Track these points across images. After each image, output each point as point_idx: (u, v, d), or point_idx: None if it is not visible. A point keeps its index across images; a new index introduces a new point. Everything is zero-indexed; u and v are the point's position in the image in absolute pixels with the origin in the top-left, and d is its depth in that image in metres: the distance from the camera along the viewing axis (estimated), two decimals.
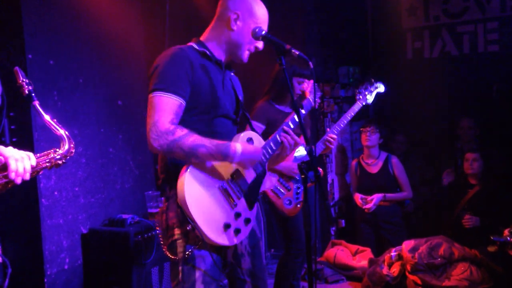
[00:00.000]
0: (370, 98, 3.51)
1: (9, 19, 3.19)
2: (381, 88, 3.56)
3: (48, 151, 1.66)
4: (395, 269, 3.85)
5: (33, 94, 1.76)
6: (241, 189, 2.06)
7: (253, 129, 2.24)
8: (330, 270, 4.43)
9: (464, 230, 4.14)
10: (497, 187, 4.16)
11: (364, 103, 3.51)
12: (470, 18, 5.53)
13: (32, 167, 1.54)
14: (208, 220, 1.91)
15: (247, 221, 2.07)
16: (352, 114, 3.49)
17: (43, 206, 3.28)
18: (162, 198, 2.07)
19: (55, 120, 1.77)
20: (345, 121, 3.49)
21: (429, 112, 5.68)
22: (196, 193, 1.89)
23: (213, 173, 1.98)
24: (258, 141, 2.16)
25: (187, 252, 1.94)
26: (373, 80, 3.57)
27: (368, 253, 4.43)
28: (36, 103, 1.77)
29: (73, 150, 1.72)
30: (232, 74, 2.25)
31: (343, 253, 4.53)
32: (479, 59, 5.49)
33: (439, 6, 5.70)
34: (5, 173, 1.48)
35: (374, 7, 6.12)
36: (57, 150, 1.69)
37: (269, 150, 2.16)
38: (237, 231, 2.02)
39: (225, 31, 2.09)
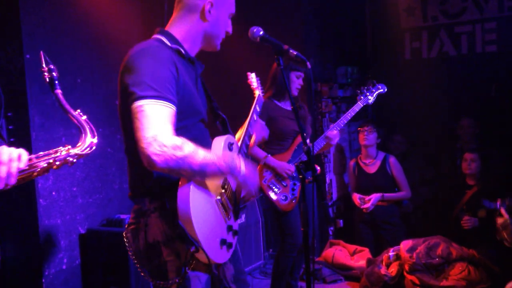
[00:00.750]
0: (371, 99, 3.61)
1: (7, 19, 3.18)
2: (382, 89, 3.65)
3: (57, 149, 1.45)
4: (393, 269, 3.86)
5: (56, 82, 1.56)
6: (230, 199, 1.92)
7: (228, 131, 2.11)
8: (328, 270, 4.43)
9: (462, 230, 4.15)
10: (496, 187, 4.17)
11: (364, 104, 3.59)
12: (468, 18, 5.53)
13: (22, 169, 1.33)
14: (209, 239, 1.73)
15: (235, 233, 1.94)
16: (353, 113, 3.58)
17: (41, 207, 3.27)
18: (132, 213, 1.82)
19: (79, 111, 1.57)
20: (345, 120, 3.58)
21: (428, 112, 5.69)
22: (199, 210, 1.69)
23: (210, 187, 1.80)
24: (236, 144, 2.08)
25: (181, 273, 1.69)
26: (374, 82, 3.63)
27: (366, 253, 4.43)
28: (58, 92, 1.57)
29: (93, 147, 1.49)
30: (201, 69, 2.00)
31: (341, 253, 4.54)
32: (477, 59, 5.49)
33: (437, 6, 5.70)
34: None
35: (373, 7, 6.12)
36: (71, 147, 1.46)
37: (244, 147, 2.14)
38: (229, 246, 1.88)
39: (199, 22, 1.88)
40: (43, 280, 3.28)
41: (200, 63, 1.97)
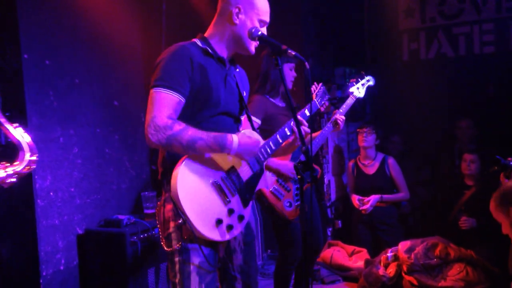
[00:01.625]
0: (362, 92, 3.46)
1: (4, 19, 3.17)
2: (371, 81, 3.52)
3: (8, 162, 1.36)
4: (391, 270, 3.86)
5: None
6: (235, 186, 2.06)
7: (253, 127, 2.23)
8: (327, 271, 4.43)
9: (460, 230, 4.15)
10: (494, 188, 4.17)
11: (356, 98, 3.46)
12: (466, 19, 5.55)
13: None
14: (200, 215, 1.92)
15: (241, 218, 2.07)
16: (347, 108, 3.45)
17: (38, 207, 3.26)
18: (159, 193, 2.08)
19: (17, 125, 1.49)
20: (347, 108, 3.45)
21: (426, 113, 5.70)
22: (188, 188, 1.90)
23: (208, 168, 1.99)
24: (260, 138, 2.18)
25: (179, 245, 1.97)
26: (363, 73, 3.51)
27: (364, 253, 4.43)
28: None
29: (34, 166, 1.38)
30: (237, 70, 2.24)
31: (339, 253, 4.54)
32: (475, 60, 5.51)
33: (435, 7, 5.72)
34: None
35: (371, 8, 6.13)
36: (8, 164, 1.36)
37: (268, 149, 2.17)
38: (230, 227, 2.02)
39: (228, 26, 2.09)
40: (41, 281, 3.26)
41: (235, 65, 2.20)
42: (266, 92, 3.35)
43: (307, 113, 2.62)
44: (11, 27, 3.17)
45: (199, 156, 1.96)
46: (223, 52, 2.12)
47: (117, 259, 3.33)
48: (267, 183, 3.25)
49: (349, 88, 3.47)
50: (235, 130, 2.16)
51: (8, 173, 1.35)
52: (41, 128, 3.30)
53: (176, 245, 1.98)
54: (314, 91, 3.13)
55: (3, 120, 1.42)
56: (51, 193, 3.37)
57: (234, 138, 1.97)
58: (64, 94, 3.49)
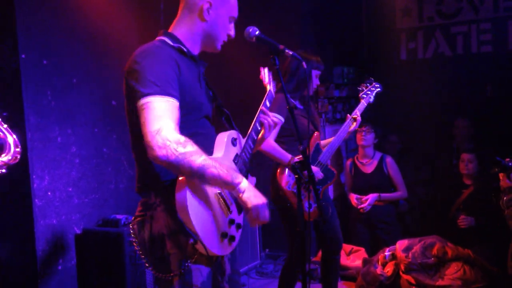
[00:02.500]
0: (371, 98, 3.54)
1: (2, 18, 3.17)
2: (379, 88, 3.61)
3: None
4: (389, 269, 3.87)
5: None
6: (232, 193, 1.92)
7: (233, 127, 2.14)
8: None
9: (458, 229, 4.16)
10: (492, 187, 4.19)
11: (367, 103, 3.52)
12: (464, 19, 5.56)
13: None
14: (208, 232, 1.77)
15: (238, 226, 1.96)
16: (360, 112, 3.46)
17: (36, 207, 3.26)
18: (139, 206, 1.88)
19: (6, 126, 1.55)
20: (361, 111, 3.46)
21: (423, 112, 5.71)
22: (196, 204, 1.74)
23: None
24: (239, 140, 2.09)
25: (182, 267, 1.75)
26: (372, 80, 3.60)
27: (362, 252, 4.44)
28: None
29: (18, 157, 1.51)
30: (203, 68, 2.07)
31: None
32: (473, 60, 5.52)
33: (433, 7, 5.73)
34: None
35: (369, 7, 6.14)
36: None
37: (251, 143, 2.10)
38: (232, 239, 1.90)
39: (198, 22, 1.93)
40: (38, 280, 3.26)
41: (202, 61, 2.02)
42: (290, 90, 3.26)
43: (268, 104, 2.42)
44: (9, 27, 3.16)
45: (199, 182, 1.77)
46: (194, 49, 1.97)
47: (115, 258, 3.33)
48: (289, 183, 3.16)
49: (360, 94, 3.54)
50: (213, 131, 2.02)
51: None
52: (39, 127, 3.30)
53: (177, 268, 1.74)
54: (264, 78, 2.76)
55: None
56: (49, 193, 3.37)
57: (245, 183, 1.80)
58: (62, 93, 3.48)
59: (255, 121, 2.16)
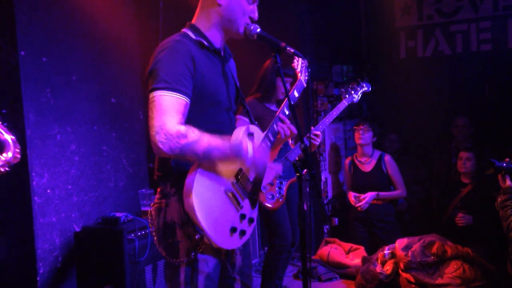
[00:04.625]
0: (355, 97, 3.62)
1: (1, 15, 3.16)
2: (367, 88, 3.68)
3: None
4: (388, 267, 3.87)
5: None
6: (245, 189, 1.98)
7: (251, 121, 2.18)
8: (324, 269, 4.44)
9: (457, 228, 4.16)
10: (490, 185, 4.19)
11: (349, 102, 3.61)
12: (463, 17, 5.56)
13: None
14: (216, 227, 1.82)
15: (251, 220, 2.01)
16: (338, 112, 3.58)
17: (35, 204, 3.25)
18: (157, 193, 1.96)
19: (4, 124, 1.61)
20: (330, 119, 3.59)
21: (423, 111, 5.71)
22: (204, 201, 1.79)
23: (219, 177, 1.88)
24: (258, 134, 2.10)
25: (189, 256, 1.84)
26: (359, 80, 3.67)
27: (361, 251, 4.44)
28: None
29: (19, 156, 1.56)
30: (230, 59, 2.12)
31: (336, 251, 4.54)
32: (472, 58, 5.52)
33: (432, 5, 5.73)
34: None
35: (368, 6, 6.13)
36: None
37: (268, 142, 2.12)
38: (242, 233, 1.96)
39: (213, 8, 1.94)
40: (38, 278, 3.26)
41: (228, 53, 2.05)
42: (260, 96, 3.56)
43: (296, 94, 2.55)
44: (8, 24, 3.16)
45: (210, 165, 1.84)
46: (216, 40, 1.98)
47: (114, 256, 3.32)
48: (270, 177, 3.25)
49: (343, 94, 3.63)
50: (233, 124, 2.07)
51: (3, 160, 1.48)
52: (38, 125, 3.29)
53: (184, 256, 1.84)
54: (296, 66, 2.96)
55: None
56: (48, 191, 3.36)
57: (249, 146, 1.88)
58: (61, 91, 3.47)
59: (275, 119, 2.18)
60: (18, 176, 3.18)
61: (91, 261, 3.43)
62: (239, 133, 1.99)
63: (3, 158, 1.51)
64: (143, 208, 3.74)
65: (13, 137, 1.56)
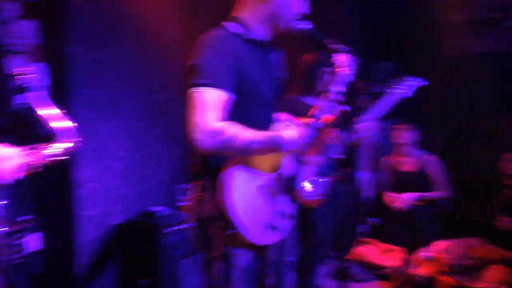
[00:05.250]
0: (400, 93, 3.50)
1: (51, 12, 3.25)
2: (412, 84, 3.55)
3: (44, 146, 1.56)
4: (426, 270, 3.81)
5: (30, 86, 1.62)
6: (283, 184, 1.96)
7: (291, 116, 2.18)
8: (358, 269, 4.42)
9: (499, 231, 4.05)
10: None
11: (394, 99, 3.49)
12: None
13: (23, 165, 1.41)
14: (250, 222, 1.82)
15: (288, 217, 2.00)
16: (382, 107, 3.46)
17: (79, 197, 3.37)
18: (194, 186, 1.97)
19: (64, 112, 1.66)
20: (375, 115, 3.47)
21: (468, 109, 5.55)
22: (238, 196, 1.80)
23: (256, 171, 1.87)
24: (297, 129, 2.02)
25: (224, 249, 1.86)
26: (404, 77, 3.54)
27: (397, 252, 4.38)
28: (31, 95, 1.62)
29: (78, 145, 1.60)
30: (275, 53, 2.05)
31: (372, 251, 4.51)
32: None
33: (482, 1, 5.53)
34: None
35: (415, 1, 5.99)
36: (56, 145, 1.57)
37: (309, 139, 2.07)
38: (278, 229, 1.94)
39: (261, 3, 1.89)
40: (77, 270, 3.38)
41: (274, 46, 1.99)
42: (299, 91, 3.40)
43: (337, 91, 2.43)
44: (57, 20, 3.27)
45: (247, 159, 1.83)
46: (260, 34, 1.92)
47: (150, 250, 3.41)
48: (310, 171, 3.18)
49: (387, 90, 3.51)
50: (272, 119, 2.04)
51: (48, 153, 1.54)
52: (85, 120, 3.40)
53: (218, 250, 1.86)
54: (339, 63, 2.90)
55: (43, 106, 1.60)
56: (92, 184, 3.47)
57: (285, 135, 1.85)
58: (107, 86, 3.58)
59: (314, 113, 2.09)
60: (63, 169, 3.30)
61: (130, 254, 3.53)
62: (278, 126, 1.97)
63: (64, 146, 1.56)
64: (180, 203, 3.82)
65: (75, 125, 1.60)
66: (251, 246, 1.92)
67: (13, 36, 2.88)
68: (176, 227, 3.47)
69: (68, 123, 1.66)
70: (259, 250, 2.02)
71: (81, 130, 3.33)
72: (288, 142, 1.84)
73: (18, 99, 2.98)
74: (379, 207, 5.28)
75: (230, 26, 1.91)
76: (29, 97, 2.63)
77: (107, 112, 3.57)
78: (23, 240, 3.06)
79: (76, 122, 3.30)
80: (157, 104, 4.01)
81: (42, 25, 2.93)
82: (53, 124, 1.61)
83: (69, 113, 3.26)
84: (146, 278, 3.41)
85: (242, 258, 1.91)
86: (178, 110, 4.17)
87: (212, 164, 1.88)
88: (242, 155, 1.80)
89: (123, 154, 3.70)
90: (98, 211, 3.52)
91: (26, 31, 2.87)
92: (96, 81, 3.49)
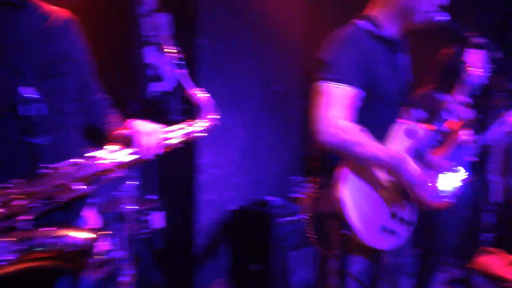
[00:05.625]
0: None
1: (185, 5, 3.43)
2: None
3: (187, 122, 1.60)
4: None
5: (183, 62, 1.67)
6: (403, 187, 1.87)
7: (419, 117, 2.09)
8: (481, 280, 4.10)
9: None
10: None
11: None
12: None
13: (164, 140, 1.46)
14: (366, 224, 1.78)
15: (407, 222, 1.92)
16: None
17: (199, 182, 3.53)
18: (312, 182, 1.98)
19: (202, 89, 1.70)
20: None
21: None
22: (355, 196, 1.77)
23: (376, 172, 1.83)
24: (422, 133, 1.98)
25: (339, 251, 1.84)
26: None
27: None
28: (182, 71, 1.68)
29: (216, 123, 1.64)
30: (403, 53, 2.01)
31: (496, 262, 4.16)
32: None
33: None
34: (135, 149, 1.39)
35: None
36: (196, 121, 1.61)
37: (432, 141, 2.01)
38: (395, 233, 1.89)
39: None
40: (194, 250, 3.54)
41: (403, 46, 1.96)
42: (436, 87, 3.21)
43: (473, 87, 2.29)
44: (190, 13, 3.43)
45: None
46: (392, 31, 1.89)
47: (263, 238, 3.46)
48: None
49: None
50: (396, 119, 1.97)
51: (196, 128, 1.59)
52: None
53: (334, 248, 1.84)
54: (477, 57, 2.68)
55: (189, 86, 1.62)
56: (212, 170, 3.62)
57: (409, 165, 1.79)
58: (230, 78, 3.71)
59: (446, 108, 2.05)
60: (186, 154, 3.49)
61: (243, 240, 3.63)
62: (398, 130, 1.90)
63: (203, 123, 1.61)
64: (293, 195, 3.85)
65: (214, 102, 1.67)
66: (366, 249, 1.87)
67: (150, 28, 3.11)
68: (288, 218, 3.50)
69: (207, 101, 1.69)
70: (374, 254, 1.96)
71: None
72: (410, 173, 1.78)
73: (153, 87, 3.23)
74: (507, 214, 4.85)
75: (361, 23, 1.89)
76: (164, 85, 2.84)
77: (228, 102, 3.69)
78: (149, 217, 3.32)
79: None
80: (276, 96, 4.06)
81: (174, 18, 3.12)
82: (197, 98, 1.67)
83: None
84: (256, 264, 3.48)
85: (357, 263, 1.87)
86: (296, 103, 4.23)
87: (331, 160, 1.87)
88: (355, 161, 1.77)
89: (240, 143, 3.81)
90: (215, 196, 3.67)
91: (160, 23, 3.08)
92: (221, 72, 3.63)
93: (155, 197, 3.33)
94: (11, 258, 1.08)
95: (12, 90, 1.19)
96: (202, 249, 3.60)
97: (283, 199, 3.74)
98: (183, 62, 1.62)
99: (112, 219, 2.65)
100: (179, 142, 1.54)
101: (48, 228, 1.16)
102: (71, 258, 1.16)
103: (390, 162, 1.77)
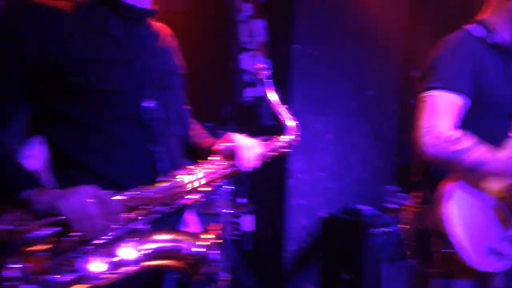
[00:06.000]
0: None
1: (282, 11, 3.45)
2: None
3: (274, 138, 1.65)
4: None
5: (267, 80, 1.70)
6: None
7: None
8: None
9: None
10: None
11: None
12: None
13: (261, 155, 1.52)
14: (472, 244, 1.69)
15: None
16: None
17: (289, 187, 3.52)
18: (414, 196, 1.91)
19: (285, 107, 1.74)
20: None
21: None
22: (462, 214, 1.68)
23: (487, 189, 1.73)
24: None
25: (444, 269, 1.74)
26: None
27: None
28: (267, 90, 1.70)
29: (298, 139, 1.69)
30: None
31: None
32: None
33: None
34: (235, 161, 1.45)
35: None
36: (282, 138, 1.66)
37: None
38: (506, 257, 1.76)
39: (505, 2, 1.76)
40: (284, 255, 3.54)
41: None
42: None
43: None
44: (286, 18, 3.45)
45: (475, 177, 1.71)
46: (506, 37, 1.79)
47: (354, 247, 3.38)
48: None
49: None
50: (506, 135, 1.85)
51: (278, 144, 1.62)
52: (300, 113, 3.54)
53: (436, 267, 1.76)
54: None
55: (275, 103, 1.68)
56: (301, 175, 3.60)
57: None
58: (323, 82, 3.67)
59: None
60: (276, 159, 3.50)
61: (334, 248, 3.57)
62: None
63: (287, 139, 1.65)
64: (387, 205, 3.71)
65: (297, 122, 1.71)
66: (471, 271, 1.75)
67: (246, 34, 3.16)
68: (382, 229, 3.39)
69: (291, 118, 1.71)
70: (480, 277, 1.82)
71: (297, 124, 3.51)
72: None
73: (249, 92, 3.28)
74: None
75: (472, 29, 1.82)
76: (258, 91, 2.87)
77: (319, 106, 3.65)
78: (239, 220, 3.38)
79: (294, 115, 3.48)
80: (367, 100, 3.96)
81: (270, 24, 3.15)
82: (281, 117, 1.68)
83: (288, 108, 3.47)
84: (348, 274, 3.42)
85: (462, 285, 1.76)
86: (391, 108, 4.09)
87: (435, 174, 1.78)
88: (467, 172, 1.67)
89: (330, 148, 3.76)
90: (305, 201, 3.64)
91: (257, 29, 3.12)
92: (314, 77, 3.60)
93: (245, 200, 3.38)
94: (139, 256, 1.15)
95: (136, 101, 1.26)
96: (292, 253, 3.59)
97: (375, 208, 3.63)
98: (270, 74, 1.63)
99: (208, 221, 2.72)
100: (273, 156, 1.60)
101: (168, 232, 1.23)
102: (191, 265, 1.22)
103: (508, 168, 1.67)
